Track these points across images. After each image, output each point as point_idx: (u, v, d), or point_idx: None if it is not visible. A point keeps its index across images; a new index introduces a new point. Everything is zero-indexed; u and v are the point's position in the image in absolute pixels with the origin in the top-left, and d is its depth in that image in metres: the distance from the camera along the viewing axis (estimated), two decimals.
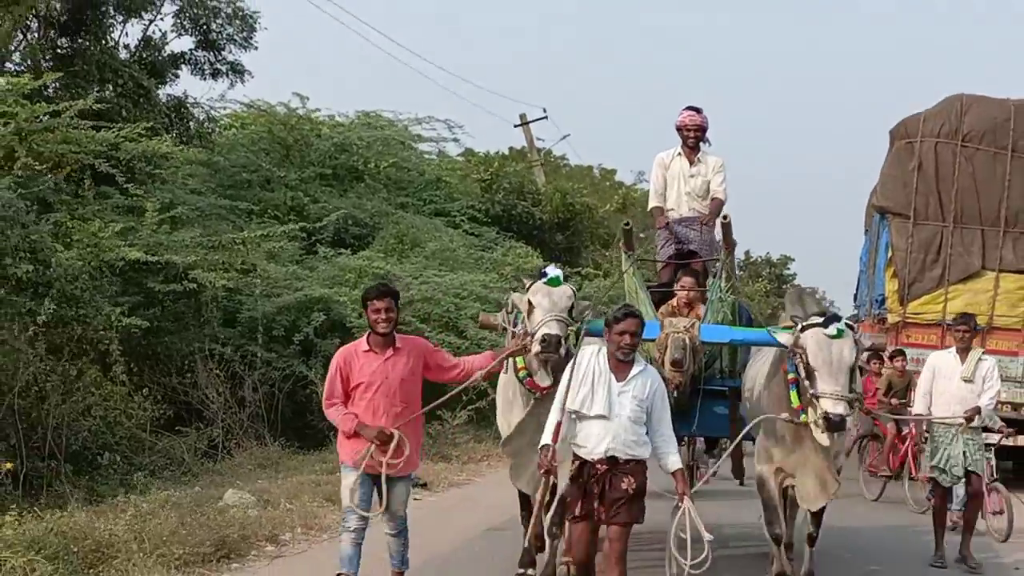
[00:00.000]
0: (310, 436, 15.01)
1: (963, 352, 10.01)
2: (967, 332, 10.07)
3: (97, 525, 8.13)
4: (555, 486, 7.40)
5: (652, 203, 10.00)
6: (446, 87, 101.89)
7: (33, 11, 16.69)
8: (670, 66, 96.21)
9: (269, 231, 16.22)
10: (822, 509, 8.17)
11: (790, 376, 7.59)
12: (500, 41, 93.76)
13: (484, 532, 10.15)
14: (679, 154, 9.85)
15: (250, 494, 10.78)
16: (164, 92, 20.43)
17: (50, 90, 16.38)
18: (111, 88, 18.51)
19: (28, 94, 13.79)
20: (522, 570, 8.00)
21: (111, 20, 19.50)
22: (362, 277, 17.18)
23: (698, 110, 9.92)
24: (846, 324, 7.49)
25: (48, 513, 8.26)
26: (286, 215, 20.53)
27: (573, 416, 6.71)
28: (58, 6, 18.39)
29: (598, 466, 6.63)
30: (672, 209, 9.81)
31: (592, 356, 6.78)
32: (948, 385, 9.95)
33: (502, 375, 8.05)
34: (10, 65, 18.15)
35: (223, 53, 21.10)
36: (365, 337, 7.39)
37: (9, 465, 8.36)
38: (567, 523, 7.38)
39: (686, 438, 11.03)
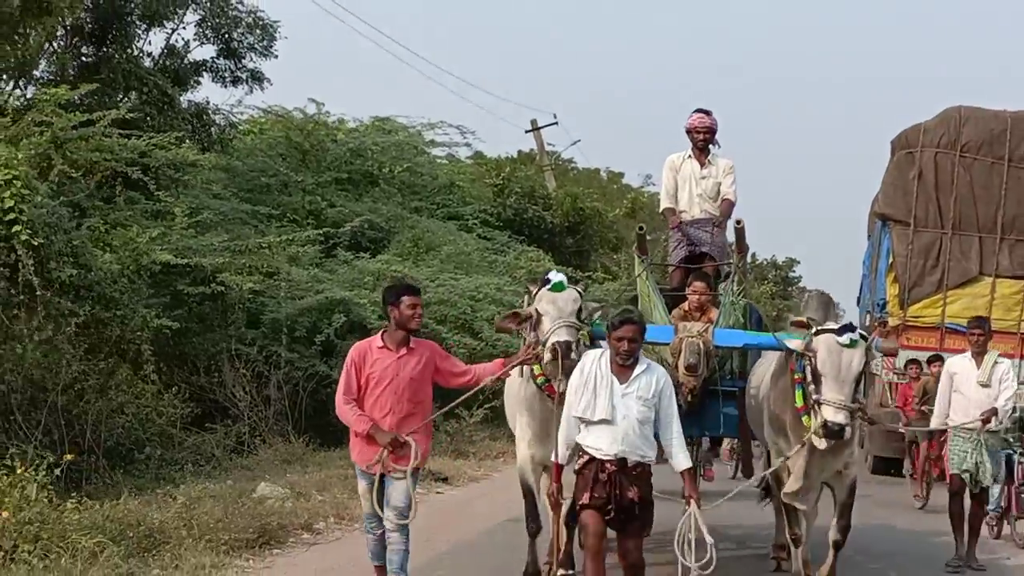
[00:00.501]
0: (331, 433, 15.58)
1: (978, 356, 9.98)
2: (981, 335, 10.09)
3: (147, 513, 8.72)
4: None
5: (664, 204, 10.05)
6: (455, 92, 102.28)
7: (62, 22, 17.19)
8: (676, 69, 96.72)
9: (294, 236, 16.77)
10: (848, 515, 8.13)
11: (796, 376, 7.62)
12: (509, 45, 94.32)
13: (503, 523, 10.65)
14: (689, 156, 9.90)
15: (282, 487, 11.36)
16: (185, 99, 21.01)
17: (76, 97, 16.95)
18: (136, 96, 19.09)
19: (64, 104, 14.35)
20: (562, 571, 7.97)
21: (135, 30, 20.08)
22: (380, 280, 17.73)
23: (708, 112, 9.96)
24: (860, 335, 7.50)
25: (98, 503, 8.85)
26: (304, 219, 21.10)
27: (580, 422, 6.75)
28: (85, 16, 18.94)
29: (607, 465, 6.64)
30: (684, 211, 9.85)
31: (594, 361, 6.81)
32: (966, 390, 9.91)
33: (510, 378, 8.15)
34: (36, 73, 18.76)
35: (243, 61, 21.63)
36: (380, 334, 7.42)
37: (70, 456, 8.92)
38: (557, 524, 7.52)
39: (694, 438, 11.25)
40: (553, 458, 7.01)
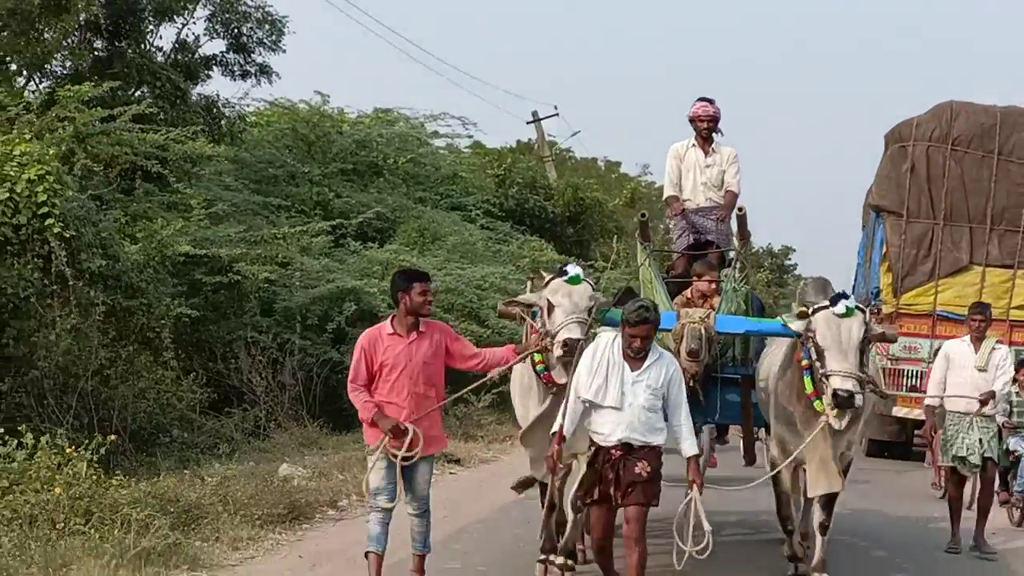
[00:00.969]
0: (343, 418, 16.10)
1: (977, 341, 10.05)
2: (982, 321, 10.15)
3: (183, 490, 9.27)
4: (571, 467, 7.61)
5: (667, 193, 10.08)
6: (455, 82, 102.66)
7: (78, 18, 17.64)
8: (672, 59, 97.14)
9: (307, 227, 17.27)
10: (833, 499, 8.12)
11: (804, 363, 7.67)
12: (506, 35, 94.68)
13: (516, 501, 11.12)
14: (693, 145, 9.94)
15: (302, 468, 11.91)
16: (195, 92, 21.48)
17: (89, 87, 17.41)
18: (149, 90, 19.56)
19: (86, 100, 14.84)
20: (544, 556, 8.10)
21: (148, 25, 20.54)
22: (389, 269, 18.22)
23: (711, 101, 9.98)
24: (856, 306, 7.60)
25: (136, 480, 9.40)
26: (312, 210, 21.57)
27: (587, 405, 6.84)
28: (99, 12, 19.39)
29: (613, 452, 6.76)
30: (688, 199, 9.91)
31: (607, 345, 6.87)
32: (962, 374, 9.99)
33: (516, 366, 8.09)
34: (52, 68, 19.22)
35: (252, 55, 22.08)
36: (389, 320, 7.51)
37: (113, 437, 9.44)
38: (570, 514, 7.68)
39: (696, 425, 11.90)
40: (555, 428, 7.01)
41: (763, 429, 9.54)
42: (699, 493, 6.81)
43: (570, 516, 8.00)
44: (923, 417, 15.95)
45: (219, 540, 8.52)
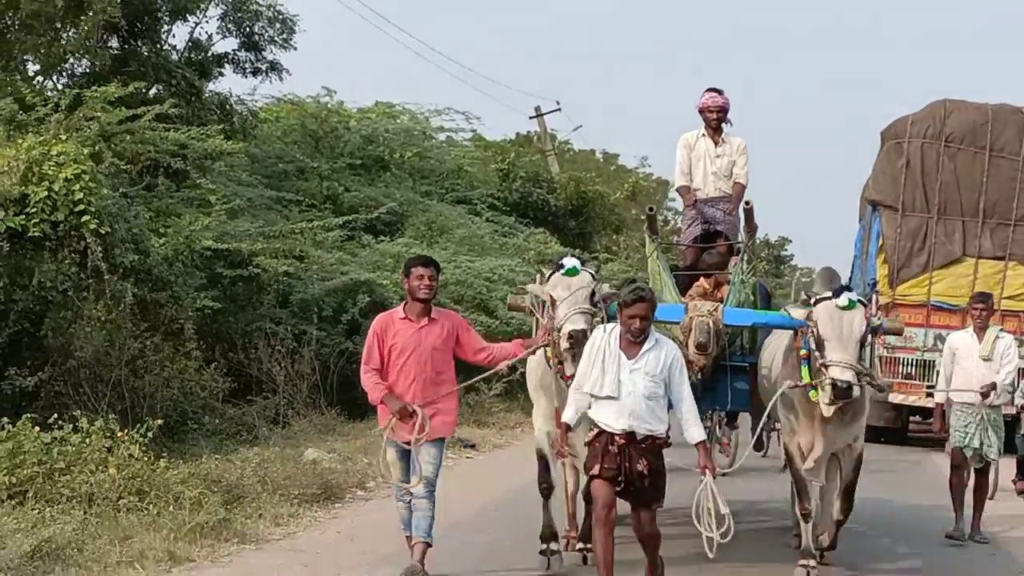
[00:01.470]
0: (359, 406, 16.64)
1: (980, 331, 10.06)
2: (984, 310, 10.17)
3: (223, 472, 9.86)
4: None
5: (679, 183, 10.12)
6: (455, 76, 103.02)
7: (99, 19, 18.13)
8: (668, 51, 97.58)
9: (324, 222, 17.82)
10: (851, 494, 8.23)
11: (802, 352, 7.75)
12: (504, 28, 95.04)
13: (530, 482, 11.77)
14: (703, 135, 9.98)
15: (327, 452, 12.49)
16: (207, 88, 21.96)
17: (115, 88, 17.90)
18: (164, 88, 20.07)
19: (113, 101, 15.37)
20: (544, 545, 8.26)
21: (162, 24, 21.04)
22: (400, 262, 18.75)
23: (720, 91, 9.99)
24: (858, 299, 7.64)
25: (180, 463, 9.98)
26: (322, 204, 22.12)
27: (590, 396, 6.87)
28: (118, 14, 19.88)
29: (617, 438, 6.77)
30: (698, 189, 9.96)
31: (602, 337, 6.90)
32: (967, 364, 9.99)
33: (531, 356, 8.25)
34: (70, 68, 19.74)
35: (263, 53, 22.58)
36: (402, 306, 7.75)
37: (160, 421, 10.01)
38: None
39: (706, 413, 11.17)
40: (563, 418, 7.18)
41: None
42: (712, 478, 6.81)
43: (581, 507, 8.20)
44: (919, 404, 16.78)
45: (262, 517, 9.16)
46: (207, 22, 21.96)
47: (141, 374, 13.37)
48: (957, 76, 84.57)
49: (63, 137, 12.74)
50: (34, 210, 11.66)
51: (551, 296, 7.74)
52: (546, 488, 8.38)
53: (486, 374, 8.82)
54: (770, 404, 8.20)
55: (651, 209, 10.39)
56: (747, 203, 9.45)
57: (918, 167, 17.04)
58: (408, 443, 7.44)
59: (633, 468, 6.71)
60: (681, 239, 10.54)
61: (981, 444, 9.97)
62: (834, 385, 7.37)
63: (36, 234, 11.63)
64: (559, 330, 7.57)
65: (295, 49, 22.53)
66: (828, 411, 7.53)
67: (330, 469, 11.14)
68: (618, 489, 6.80)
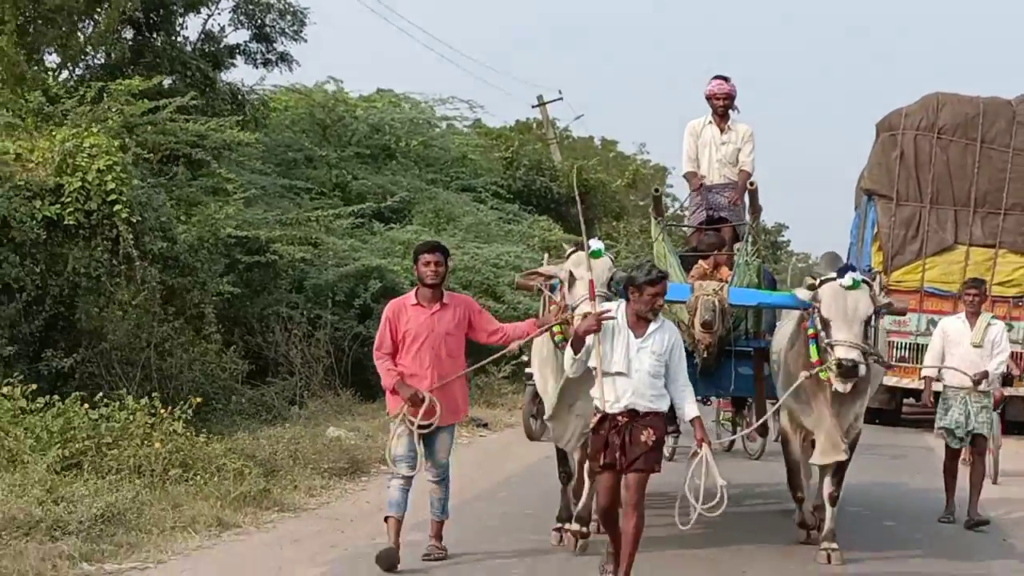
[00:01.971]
0: (371, 387, 17.23)
1: (972, 317, 10.13)
2: (976, 296, 10.24)
3: (257, 447, 10.47)
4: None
5: (686, 169, 10.14)
6: (454, 63, 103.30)
7: (122, 14, 18.61)
8: (665, 40, 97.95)
9: (339, 210, 18.39)
10: (843, 469, 8.22)
11: (810, 332, 7.85)
12: (504, 15, 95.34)
13: (542, 459, 12.18)
14: (710, 122, 10.01)
15: (347, 430, 13.09)
16: (220, 78, 22.46)
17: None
18: (179, 78, 20.58)
19: (136, 94, 15.91)
20: (559, 524, 8.40)
21: (177, 16, 21.54)
22: (410, 248, 19.31)
23: (726, 79, 10.04)
24: (862, 279, 7.79)
25: (217, 439, 10.57)
26: (331, 192, 22.69)
27: (594, 372, 6.90)
28: (137, 6, 20.36)
29: (619, 418, 6.83)
30: (704, 175, 9.99)
31: (612, 313, 6.95)
32: (958, 350, 10.06)
33: (537, 339, 8.27)
34: (89, 59, 20.23)
35: (274, 45, 23.07)
36: (414, 292, 7.77)
37: (198, 399, 10.61)
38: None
39: (712, 398, 11.95)
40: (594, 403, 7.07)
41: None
42: (709, 451, 6.88)
43: (587, 484, 8.20)
44: (912, 386, 17.35)
45: (296, 488, 9.79)
46: (219, 14, 22.49)
47: (167, 356, 13.94)
48: (950, 69, 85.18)
49: (94, 129, 13.29)
50: (68, 200, 12.25)
51: (571, 273, 7.74)
52: (565, 476, 8.54)
53: (495, 356, 8.99)
54: (788, 392, 8.17)
55: (656, 190, 10.51)
56: (751, 183, 9.58)
57: (912, 158, 17.61)
58: (422, 427, 7.52)
59: (635, 439, 6.80)
60: (686, 224, 10.74)
61: (966, 420, 10.02)
62: (840, 364, 7.50)
63: (70, 223, 12.23)
64: (574, 309, 7.57)
65: (305, 41, 23.06)
66: (845, 387, 7.61)
67: (355, 446, 11.74)
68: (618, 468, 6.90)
